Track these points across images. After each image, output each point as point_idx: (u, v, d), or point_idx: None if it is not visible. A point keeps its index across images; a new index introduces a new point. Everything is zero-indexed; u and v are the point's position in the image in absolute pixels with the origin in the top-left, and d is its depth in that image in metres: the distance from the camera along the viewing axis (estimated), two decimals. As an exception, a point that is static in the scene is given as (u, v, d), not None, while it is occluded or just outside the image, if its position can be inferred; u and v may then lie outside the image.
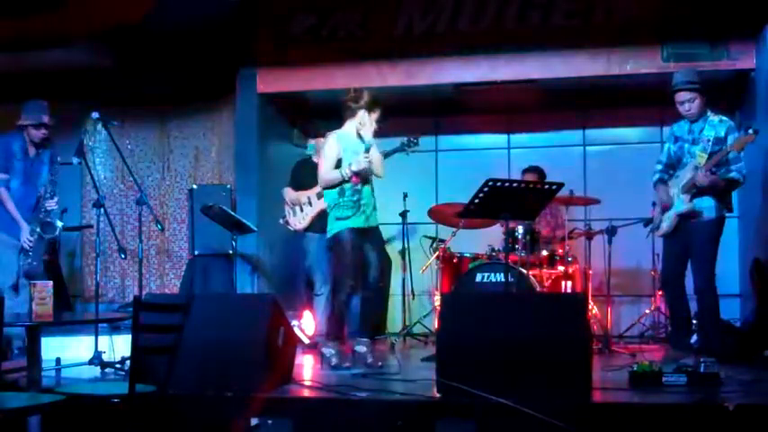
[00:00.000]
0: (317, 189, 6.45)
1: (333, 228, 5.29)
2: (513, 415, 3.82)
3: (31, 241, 5.68)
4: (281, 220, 6.65)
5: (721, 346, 5.16)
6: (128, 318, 3.80)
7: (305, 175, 6.57)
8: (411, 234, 7.33)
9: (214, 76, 7.39)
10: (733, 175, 5.24)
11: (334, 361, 5.20)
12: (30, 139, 5.85)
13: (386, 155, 6.33)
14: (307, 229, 6.47)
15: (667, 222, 5.45)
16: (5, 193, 5.72)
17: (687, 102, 5.34)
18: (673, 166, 5.54)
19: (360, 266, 5.33)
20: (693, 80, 5.34)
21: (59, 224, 5.80)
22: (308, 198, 6.46)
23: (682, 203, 5.34)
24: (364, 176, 5.24)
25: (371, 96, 5.34)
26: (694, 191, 5.30)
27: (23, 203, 5.75)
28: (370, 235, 5.35)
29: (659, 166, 5.61)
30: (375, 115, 5.32)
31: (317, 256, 6.45)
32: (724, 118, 5.37)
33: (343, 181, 5.21)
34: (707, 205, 5.31)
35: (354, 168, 5.16)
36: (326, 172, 5.29)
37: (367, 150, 5.21)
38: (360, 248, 5.27)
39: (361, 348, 5.28)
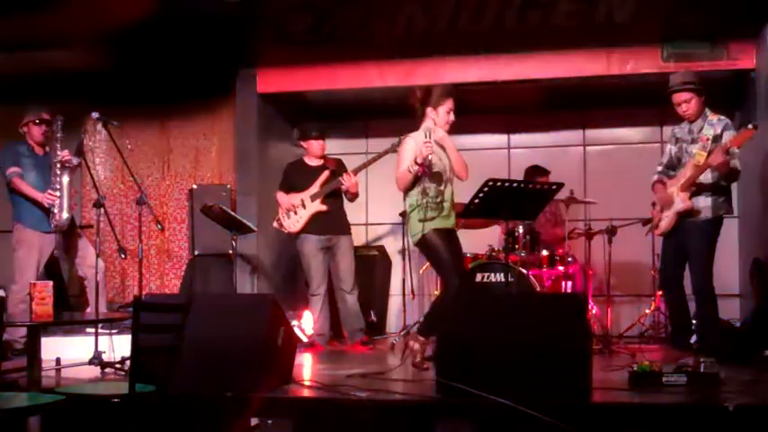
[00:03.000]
0: (311, 191, 6.45)
1: (418, 230, 5.12)
2: (513, 415, 3.82)
3: (52, 196, 5.81)
4: (275, 223, 6.61)
5: (721, 346, 5.16)
6: (128, 318, 3.80)
7: (297, 177, 6.56)
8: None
9: (214, 76, 7.38)
10: (734, 162, 5.24)
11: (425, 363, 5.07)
12: (34, 142, 5.98)
13: (377, 157, 6.35)
14: (301, 231, 6.45)
15: (666, 221, 5.46)
16: (21, 180, 5.88)
17: (684, 102, 5.35)
18: (673, 167, 5.56)
19: (459, 256, 5.27)
20: (689, 81, 5.34)
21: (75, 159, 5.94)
22: (302, 201, 6.44)
23: (680, 202, 5.35)
24: (429, 165, 5.00)
25: (437, 92, 5.18)
26: (693, 189, 5.31)
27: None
28: (452, 236, 5.24)
29: (659, 168, 5.63)
30: (444, 108, 5.16)
31: (313, 257, 6.44)
32: (722, 117, 5.37)
33: (416, 177, 5.08)
34: (704, 205, 5.31)
35: (418, 160, 4.99)
36: (399, 173, 5.17)
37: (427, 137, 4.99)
38: (448, 244, 5.17)
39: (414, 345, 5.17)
